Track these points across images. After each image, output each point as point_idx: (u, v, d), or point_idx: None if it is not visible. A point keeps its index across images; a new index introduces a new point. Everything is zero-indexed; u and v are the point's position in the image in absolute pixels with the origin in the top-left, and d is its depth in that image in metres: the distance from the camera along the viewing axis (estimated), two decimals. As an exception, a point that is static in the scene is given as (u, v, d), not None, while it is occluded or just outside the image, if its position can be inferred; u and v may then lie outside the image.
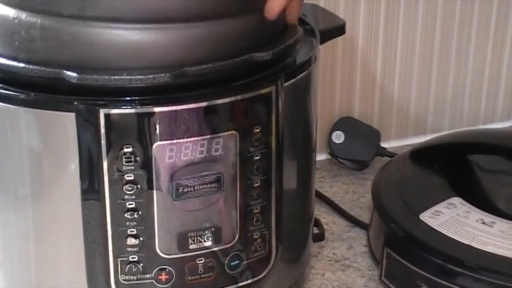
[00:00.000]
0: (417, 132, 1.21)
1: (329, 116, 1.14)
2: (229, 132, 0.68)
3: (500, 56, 1.22)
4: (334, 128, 1.13)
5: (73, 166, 0.66)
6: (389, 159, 1.11)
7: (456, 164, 0.95)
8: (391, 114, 1.19)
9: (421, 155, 0.98)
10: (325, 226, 0.96)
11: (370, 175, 1.11)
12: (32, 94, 0.66)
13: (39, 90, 0.66)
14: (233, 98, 0.68)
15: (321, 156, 1.14)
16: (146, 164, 0.66)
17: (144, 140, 0.66)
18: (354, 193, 1.08)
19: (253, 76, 0.70)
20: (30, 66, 0.66)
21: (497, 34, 1.21)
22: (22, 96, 0.66)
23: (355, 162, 1.13)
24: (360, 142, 1.13)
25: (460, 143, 0.99)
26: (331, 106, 1.15)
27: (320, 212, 1.02)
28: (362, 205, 1.05)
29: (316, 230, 0.90)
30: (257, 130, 0.70)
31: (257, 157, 0.70)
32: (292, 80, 0.72)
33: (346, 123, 1.13)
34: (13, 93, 0.66)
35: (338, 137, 1.13)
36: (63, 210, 0.69)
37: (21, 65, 0.66)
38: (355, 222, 1.00)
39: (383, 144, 1.14)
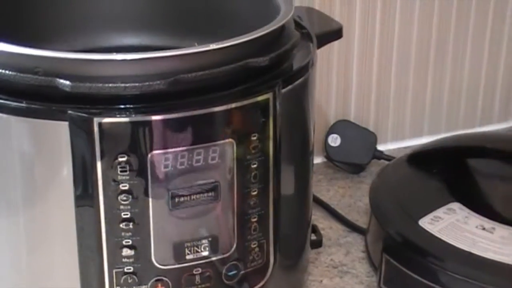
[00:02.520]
0: (413, 134, 1.20)
1: (325, 119, 1.13)
2: (226, 140, 0.67)
3: (496, 57, 1.21)
4: (330, 131, 1.12)
5: (67, 176, 0.65)
6: (385, 162, 1.09)
7: (455, 168, 0.94)
8: (387, 116, 1.18)
9: (419, 159, 0.97)
10: (322, 231, 0.95)
11: (367, 179, 1.10)
12: (24, 102, 0.64)
13: (31, 98, 0.64)
14: (229, 106, 0.66)
15: (317, 160, 1.13)
16: (142, 173, 0.65)
17: (139, 149, 0.64)
18: (350, 197, 1.07)
19: (249, 83, 0.68)
20: (22, 74, 0.64)
21: (494, 35, 1.20)
22: (13, 104, 0.65)
23: (351, 165, 1.12)
24: (357, 145, 1.12)
25: (459, 147, 0.98)
26: (327, 109, 1.13)
27: (317, 216, 1.01)
28: (359, 209, 1.04)
29: (313, 237, 0.89)
30: (254, 138, 0.68)
31: (255, 165, 0.69)
32: (290, 86, 0.71)
33: (342, 126, 1.12)
34: (4, 101, 0.65)
35: (334, 140, 1.11)
36: (57, 221, 0.67)
37: (13, 72, 0.65)
38: (352, 227, 0.99)
39: (379, 147, 1.13)
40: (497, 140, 1.00)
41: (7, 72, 0.65)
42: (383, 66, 1.14)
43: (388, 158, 1.11)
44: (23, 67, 0.64)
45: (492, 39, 1.20)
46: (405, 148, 1.18)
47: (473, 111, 1.23)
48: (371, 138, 1.12)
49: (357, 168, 1.12)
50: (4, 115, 0.65)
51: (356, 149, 1.12)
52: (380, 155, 1.12)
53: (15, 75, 0.64)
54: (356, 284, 0.89)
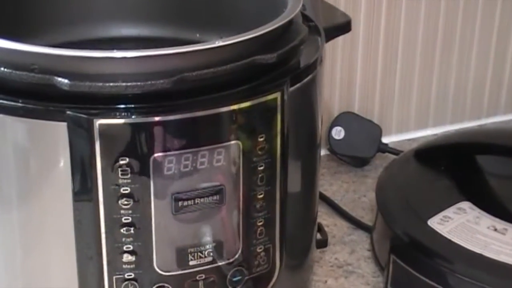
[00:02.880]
0: (419, 126, 1.18)
1: (329, 111, 1.10)
2: (232, 142, 0.64)
3: (504, 48, 1.19)
4: (334, 123, 1.09)
5: (65, 179, 0.62)
6: (390, 155, 1.07)
7: (464, 166, 0.91)
8: (392, 108, 1.15)
9: (427, 155, 0.94)
10: (326, 229, 0.92)
11: (371, 172, 1.08)
12: (20, 101, 0.61)
13: (28, 97, 0.61)
14: (235, 106, 0.63)
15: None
16: (143, 177, 0.62)
17: (141, 151, 0.61)
18: (355, 192, 1.04)
19: (256, 81, 0.65)
20: (18, 71, 0.61)
21: (502, 25, 1.17)
22: (9, 103, 0.61)
23: (355, 158, 1.10)
24: (361, 138, 1.09)
25: (468, 143, 0.95)
26: (330, 101, 1.11)
27: (321, 213, 0.99)
28: (364, 205, 1.01)
29: (318, 236, 0.86)
30: (262, 139, 0.65)
31: (261, 167, 0.66)
32: (298, 85, 0.68)
33: (346, 118, 1.10)
34: (-1, 101, 0.62)
35: (338, 132, 1.09)
36: (55, 225, 0.64)
37: (8, 70, 0.61)
38: (357, 224, 0.97)
39: (384, 139, 1.11)
40: (508, 136, 0.97)
41: (1, 69, 0.61)
42: (388, 56, 1.12)
43: (393, 151, 1.08)
44: (18, 64, 0.61)
45: (500, 29, 1.17)
46: (409, 140, 1.16)
47: (479, 103, 1.21)
48: (375, 130, 1.10)
49: (361, 162, 1.10)
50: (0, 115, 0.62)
51: (360, 142, 1.09)
52: (385, 148, 1.09)
53: (10, 73, 0.61)
54: (362, 284, 0.87)
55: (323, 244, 0.87)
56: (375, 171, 1.05)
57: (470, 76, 1.18)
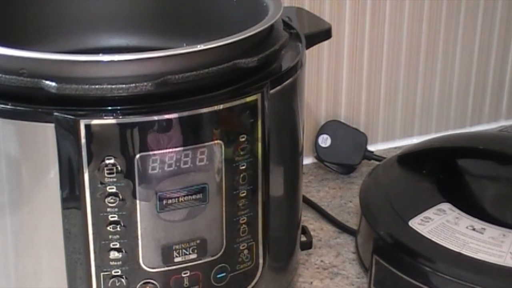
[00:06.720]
0: (404, 134, 1.20)
1: (315, 120, 1.13)
2: (214, 142, 0.66)
3: (486, 57, 1.21)
4: (320, 131, 1.11)
5: (53, 178, 0.64)
6: (376, 162, 1.09)
7: (445, 169, 0.94)
8: (378, 117, 1.18)
9: (409, 160, 0.97)
10: (312, 233, 0.95)
11: (357, 179, 1.10)
12: (9, 104, 0.64)
13: (17, 100, 0.64)
14: (217, 107, 0.66)
15: (307, 160, 1.13)
16: (129, 176, 0.64)
17: (126, 151, 0.64)
18: (341, 197, 1.06)
19: (238, 84, 0.68)
20: (7, 76, 0.64)
21: (484, 35, 1.20)
22: (-1, 106, 0.64)
23: (342, 166, 1.12)
24: (347, 146, 1.11)
25: (449, 147, 0.98)
26: (317, 110, 1.13)
27: (307, 217, 1.01)
28: (350, 210, 1.03)
29: (303, 238, 0.88)
30: (243, 139, 0.68)
31: (243, 167, 0.69)
32: (278, 87, 0.70)
33: (332, 127, 1.12)
34: (-11, 104, 0.64)
35: (325, 140, 1.11)
36: (43, 223, 0.66)
37: (-2, 74, 0.64)
38: (343, 228, 0.99)
39: (370, 147, 1.13)
40: (487, 140, 1.00)
41: (-9, 74, 0.64)
42: (373, 66, 1.14)
43: (378, 158, 1.10)
44: (8, 69, 0.64)
45: (482, 38, 1.20)
46: (395, 148, 1.18)
47: (463, 112, 1.23)
48: (361, 138, 1.12)
49: (347, 169, 1.12)
50: (-10, 117, 0.64)
51: (347, 150, 1.11)
52: (370, 156, 1.12)
53: (0, 77, 0.64)
54: (347, 285, 0.89)
55: (307, 245, 0.89)
56: (361, 178, 1.07)
57: (454, 85, 1.21)
